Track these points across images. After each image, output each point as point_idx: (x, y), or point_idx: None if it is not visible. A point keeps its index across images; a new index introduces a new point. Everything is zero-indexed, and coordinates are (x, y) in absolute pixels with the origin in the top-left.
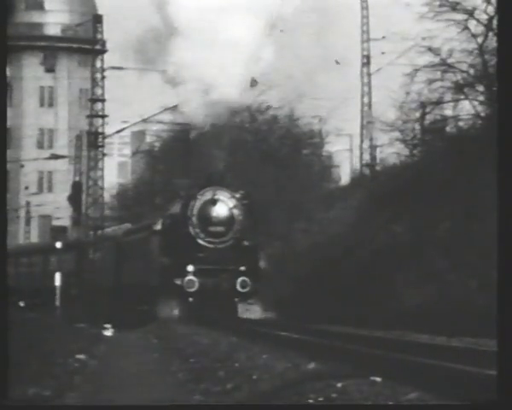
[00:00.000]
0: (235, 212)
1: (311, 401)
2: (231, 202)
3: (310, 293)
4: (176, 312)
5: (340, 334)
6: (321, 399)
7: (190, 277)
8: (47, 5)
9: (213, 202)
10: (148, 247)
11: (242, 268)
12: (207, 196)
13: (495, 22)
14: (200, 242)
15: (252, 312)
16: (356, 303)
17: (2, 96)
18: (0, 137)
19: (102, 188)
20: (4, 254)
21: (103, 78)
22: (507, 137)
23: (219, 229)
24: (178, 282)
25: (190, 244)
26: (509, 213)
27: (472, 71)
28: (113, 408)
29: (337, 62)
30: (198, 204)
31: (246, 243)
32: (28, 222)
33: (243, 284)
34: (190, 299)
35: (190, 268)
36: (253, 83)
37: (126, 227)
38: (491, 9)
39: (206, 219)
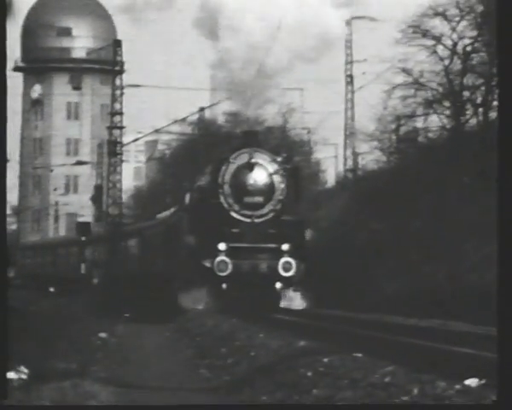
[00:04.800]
0: (277, 179)
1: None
2: (271, 167)
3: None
4: (203, 301)
5: (327, 316)
6: (309, 373)
7: (222, 257)
8: (74, 32)
9: (250, 166)
10: (175, 229)
11: (285, 247)
12: (242, 159)
13: (459, 47)
14: (234, 215)
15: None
16: (341, 289)
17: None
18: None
19: (121, 190)
20: (4, 247)
21: (122, 94)
22: (506, 139)
23: (257, 199)
24: (208, 264)
25: (222, 218)
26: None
27: (440, 89)
28: (113, 408)
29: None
30: (231, 169)
31: (289, 216)
32: (56, 219)
33: (286, 267)
34: (223, 285)
35: (222, 247)
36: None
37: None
38: (455, 36)
39: (241, 187)
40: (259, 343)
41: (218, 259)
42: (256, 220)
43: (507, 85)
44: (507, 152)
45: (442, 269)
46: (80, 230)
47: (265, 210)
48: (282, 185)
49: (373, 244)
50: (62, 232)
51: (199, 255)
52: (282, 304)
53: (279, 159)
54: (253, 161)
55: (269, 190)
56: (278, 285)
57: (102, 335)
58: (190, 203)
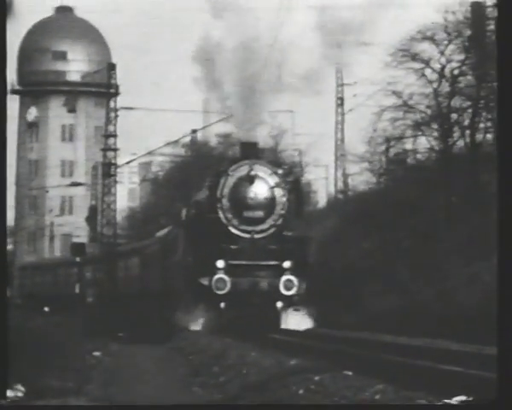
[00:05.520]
0: (278, 192)
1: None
2: (272, 180)
3: None
4: (199, 322)
5: (317, 335)
6: (301, 391)
7: (220, 275)
8: (69, 56)
9: (250, 179)
10: (172, 246)
11: (287, 264)
12: (242, 171)
13: (447, 71)
14: (233, 230)
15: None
16: (330, 308)
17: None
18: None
19: (115, 210)
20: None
21: (116, 117)
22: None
23: (257, 214)
24: (205, 282)
25: (220, 234)
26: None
27: (428, 111)
28: (113, 408)
29: None
30: (230, 182)
31: (290, 232)
32: (52, 239)
33: (288, 285)
34: (222, 304)
35: (220, 264)
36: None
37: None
38: (443, 60)
39: (240, 201)
40: (251, 362)
41: (216, 277)
42: (256, 236)
43: (506, 102)
44: (507, 166)
45: (430, 288)
46: (75, 250)
47: (266, 225)
48: (284, 199)
49: (362, 263)
50: (57, 253)
51: (196, 273)
52: (283, 325)
53: (280, 171)
54: (252, 173)
55: (270, 203)
56: (279, 304)
57: (96, 354)
58: (187, 219)
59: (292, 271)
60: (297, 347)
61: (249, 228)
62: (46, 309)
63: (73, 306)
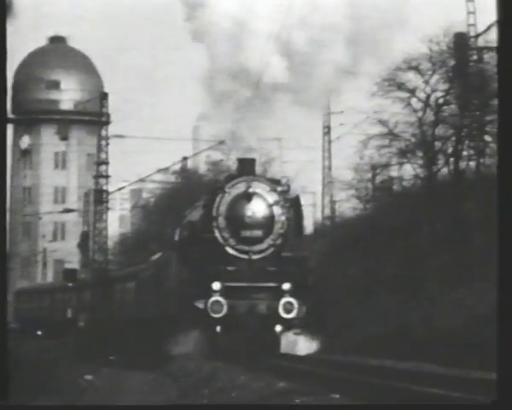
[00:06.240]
0: (277, 210)
1: None
2: (271, 197)
3: None
4: (195, 346)
5: (305, 358)
6: None
7: (216, 297)
8: (62, 85)
9: (247, 196)
10: (165, 269)
11: (286, 286)
12: (239, 188)
13: (432, 100)
14: (230, 250)
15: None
16: (318, 332)
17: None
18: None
19: (106, 236)
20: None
21: (107, 144)
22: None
23: (255, 233)
24: (201, 305)
25: (216, 254)
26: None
27: (413, 139)
28: (112, 408)
29: None
30: (227, 200)
31: (290, 252)
32: (45, 265)
33: (288, 308)
34: (218, 328)
35: (216, 286)
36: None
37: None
38: (428, 89)
39: (237, 219)
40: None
41: (212, 299)
42: (254, 257)
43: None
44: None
45: (415, 312)
46: (67, 276)
47: (264, 245)
48: (283, 218)
49: (349, 289)
50: (50, 278)
51: (191, 296)
52: (283, 349)
53: (279, 188)
54: (250, 190)
55: (268, 222)
56: (278, 328)
57: (88, 377)
58: (180, 240)
59: (291, 293)
60: (289, 370)
61: (247, 248)
62: (39, 333)
63: (65, 330)
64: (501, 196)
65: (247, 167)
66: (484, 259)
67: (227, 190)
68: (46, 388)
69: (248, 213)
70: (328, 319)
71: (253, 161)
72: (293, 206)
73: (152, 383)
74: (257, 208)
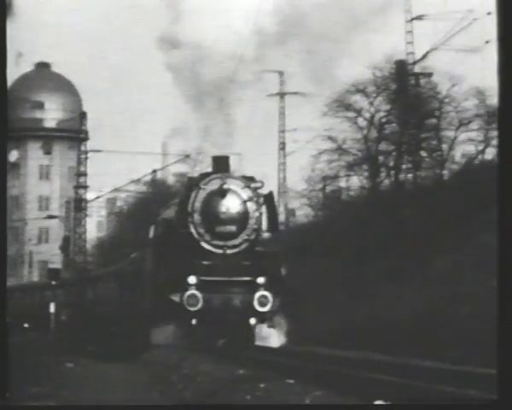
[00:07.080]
0: (251, 206)
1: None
2: (245, 194)
3: None
4: (168, 338)
5: (276, 350)
6: (248, 397)
7: (192, 291)
8: (46, 105)
9: (222, 192)
10: (142, 264)
11: (261, 280)
12: (214, 185)
13: (376, 119)
14: (205, 245)
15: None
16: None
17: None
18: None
19: (85, 240)
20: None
21: (86, 158)
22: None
23: (230, 228)
24: (176, 298)
25: (192, 249)
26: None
27: (359, 154)
28: (112, 408)
29: None
30: (201, 196)
31: (263, 247)
32: (31, 265)
33: (263, 301)
34: (193, 321)
35: (192, 280)
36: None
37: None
38: (372, 109)
39: (212, 215)
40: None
41: (188, 293)
42: (229, 251)
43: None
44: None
45: (362, 308)
46: (51, 275)
47: (239, 240)
48: (257, 213)
49: (303, 290)
50: (36, 277)
51: (166, 289)
52: (258, 342)
53: (253, 185)
54: (225, 187)
55: (242, 218)
56: (253, 321)
57: (69, 364)
58: (154, 237)
59: (266, 286)
60: (246, 359)
61: (221, 243)
62: (26, 325)
63: (48, 323)
64: (501, 196)
65: (221, 165)
66: (421, 259)
67: (202, 186)
68: (33, 374)
69: (223, 209)
70: (294, 313)
71: (227, 158)
72: (267, 202)
73: (124, 369)
74: (231, 204)
